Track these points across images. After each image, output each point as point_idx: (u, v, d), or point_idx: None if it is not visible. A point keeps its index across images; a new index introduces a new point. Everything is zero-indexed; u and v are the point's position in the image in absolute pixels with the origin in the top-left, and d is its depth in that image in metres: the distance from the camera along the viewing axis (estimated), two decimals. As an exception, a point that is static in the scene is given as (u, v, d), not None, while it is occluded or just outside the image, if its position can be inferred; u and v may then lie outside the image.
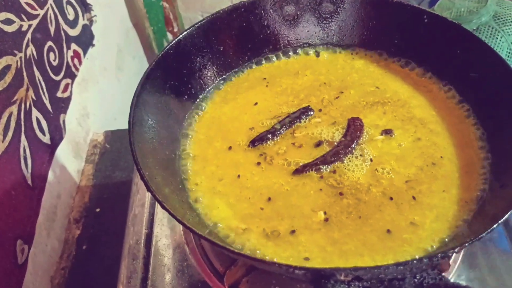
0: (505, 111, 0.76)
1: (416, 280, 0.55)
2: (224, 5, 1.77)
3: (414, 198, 0.72)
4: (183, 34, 0.84)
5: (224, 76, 0.92)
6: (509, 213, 0.59)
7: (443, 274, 0.60)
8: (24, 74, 0.97)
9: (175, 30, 1.80)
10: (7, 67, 0.92)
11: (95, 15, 1.35)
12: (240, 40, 0.92)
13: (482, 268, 0.80)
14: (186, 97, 0.87)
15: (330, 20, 0.94)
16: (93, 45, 1.33)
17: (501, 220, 0.58)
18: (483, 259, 0.81)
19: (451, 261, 0.80)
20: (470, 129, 0.81)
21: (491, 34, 1.26)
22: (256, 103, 0.89)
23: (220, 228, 0.71)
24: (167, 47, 0.82)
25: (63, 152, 1.15)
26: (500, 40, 1.27)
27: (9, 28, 0.95)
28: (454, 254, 0.82)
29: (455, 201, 0.72)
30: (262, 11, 0.92)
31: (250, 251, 0.69)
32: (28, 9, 1.03)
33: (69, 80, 1.19)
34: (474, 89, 0.82)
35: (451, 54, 0.85)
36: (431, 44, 0.87)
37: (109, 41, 1.52)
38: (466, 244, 0.56)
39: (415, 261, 0.54)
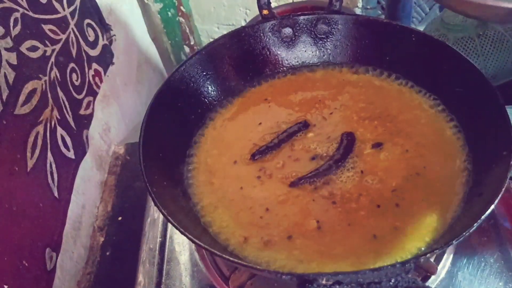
0: (486, 125, 0.81)
1: (391, 283, 0.61)
2: (239, 17, 1.85)
3: (397, 205, 0.78)
4: (188, 60, 0.92)
5: (228, 97, 0.99)
6: (479, 222, 0.64)
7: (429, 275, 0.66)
8: (49, 95, 1.04)
9: (192, 43, 1.87)
10: (33, 91, 0.99)
11: (114, 35, 1.43)
12: (241, 62, 0.99)
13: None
14: (193, 117, 0.94)
15: (325, 40, 1.00)
16: (113, 63, 1.41)
17: (472, 229, 0.64)
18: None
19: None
20: (455, 142, 0.86)
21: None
22: (260, 123, 0.96)
23: (222, 235, 0.79)
24: (173, 72, 0.89)
25: (87, 165, 1.22)
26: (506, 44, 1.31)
27: (34, 55, 1.01)
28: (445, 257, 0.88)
29: (434, 209, 0.77)
30: (262, 34, 0.98)
31: (250, 257, 0.76)
32: (52, 35, 1.10)
33: (91, 98, 1.27)
34: (460, 103, 0.87)
35: (438, 70, 0.90)
36: (419, 60, 0.92)
37: (129, 57, 1.59)
38: (436, 251, 0.62)
39: (389, 267, 0.60)
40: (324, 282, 0.60)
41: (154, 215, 1.05)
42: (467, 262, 0.88)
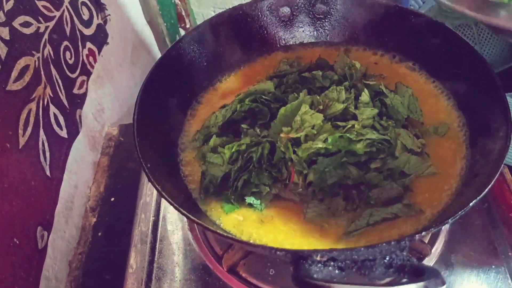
0: (484, 107, 0.81)
1: (385, 261, 0.61)
2: (235, 0, 1.82)
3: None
4: (184, 37, 0.90)
5: (223, 75, 0.99)
6: (473, 203, 0.64)
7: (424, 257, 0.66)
8: (42, 73, 1.04)
9: (188, 26, 1.85)
10: (26, 67, 0.98)
11: (109, 14, 1.41)
12: (238, 40, 0.98)
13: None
14: (188, 95, 0.93)
15: (323, 20, 0.99)
16: (107, 43, 1.40)
17: (466, 209, 0.63)
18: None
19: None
20: (454, 120, 0.86)
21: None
22: None
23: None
24: (169, 49, 0.88)
25: (80, 145, 1.21)
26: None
27: (27, 30, 1.00)
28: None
29: (437, 188, 0.78)
30: (259, 13, 0.97)
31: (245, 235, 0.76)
32: (45, 12, 1.09)
33: (84, 77, 1.26)
34: (458, 85, 0.87)
35: (435, 49, 0.90)
36: (418, 41, 0.92)
37: (124, 38, 1.57)
38: (432, 229, 0.62)
39: (384, 244, 0.60)
40: (318, 258, 0.60)
41: (147, 196, 1.04)
42: (460, 245, 0.87)
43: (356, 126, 0.78)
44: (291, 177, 0.78)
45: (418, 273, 0.60)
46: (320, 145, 0.75)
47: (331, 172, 0.76)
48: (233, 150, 0.80)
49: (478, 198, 0.65)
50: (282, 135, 0.78)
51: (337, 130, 0.78)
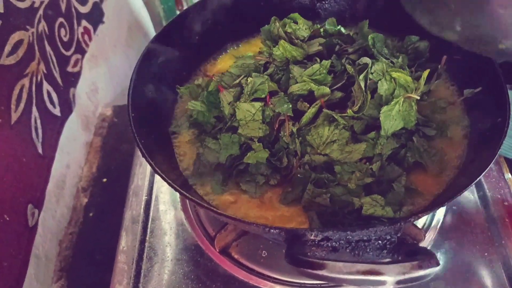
0: (483, 93, 0.80)
1: (380, 242, 0.60)
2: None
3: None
4: (180, 15, 0.89)
5: (217, 54, 0.98)
6: (468, 187, 0.64)
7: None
8: (36, 48, 1.02)
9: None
10: (20, 42, 0.96)
11: (106, -7, 1.40)
12: (235, 20, 0.97)
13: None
14: (184, 73, 0.92)
15: (324, 1, 0.99)
16: (103, 22, 1.38)
17: (461, 193, 0.63)
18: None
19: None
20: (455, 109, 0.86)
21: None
22: None
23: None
24: (166, 26, 0.87)
25: (73, 125, 1.20)
26: None
27: (22, 4, 0.99)
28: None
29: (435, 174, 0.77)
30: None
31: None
32: None
33: (79, 56, 1.25)
34: (459, 71, 0.87)
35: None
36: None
37: (120, 19, 1.56)
38: (427, 211, 0.61)
39: (379, 225, 0.59)
40: (312, 237, 0.59)
41: (140, 177, 1.03)
42: (455, 231, 0.87)
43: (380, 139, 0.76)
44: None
45: (412, 254, 0.60)
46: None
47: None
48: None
49: (473, 182, 0.65)
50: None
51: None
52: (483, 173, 0.66)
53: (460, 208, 0.90)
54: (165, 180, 0.66)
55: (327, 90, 0.77)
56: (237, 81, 0.83)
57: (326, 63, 0.79)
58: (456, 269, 0.83)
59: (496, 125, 0.73)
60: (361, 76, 0.75)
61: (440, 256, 0.84)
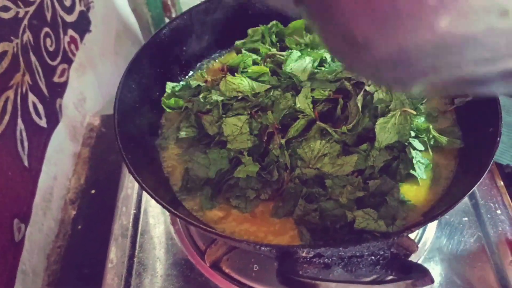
0: (476, 103, 0.80)
1: (373, 257, 0.59)
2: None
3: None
4: (168, 24, 0.88)
5: (208, 62, 0.97)
6: (460, 201, 0.63)
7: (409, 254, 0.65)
8: (21, 59, 1.01)
9: (173, 15, 1.81)
10: (4, 53, 0.95)
11: (92, 1, 1.38)
12: (222, 29, 0.96)
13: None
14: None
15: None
16: (89, 31, 1.36)
17: (454, 206, 0.62)
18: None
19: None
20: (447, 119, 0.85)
21: None
22: None
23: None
24: (153, 36, 0.86)
25: (60, 135, 1.18)
26: None
27: (6, 15, 0.97)
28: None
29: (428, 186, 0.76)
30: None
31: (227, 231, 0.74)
32: None
33: (65, 65, 1.23)
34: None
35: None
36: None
37: (107, 27, 1.54)
38: (419, 226, 0.60)
39: (371, 241, 0.58)
40: (304, 254, 0.58)
41: (128, 188, 1.02)
42: (447, 242, 0.86)
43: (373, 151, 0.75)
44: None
45: (406, 270, 0.59)
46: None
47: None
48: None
49: (466, 195, 0.64)
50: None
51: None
52: (476, 184, 0.65)
53: (452, 216, 0.89)
54: (153, 198, 0.64)
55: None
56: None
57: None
58: (449, 279, 0.82)
59: (488, 134, 0.72)
60: (359, 96, 0.74)
61: (433, 267, 0.83)
